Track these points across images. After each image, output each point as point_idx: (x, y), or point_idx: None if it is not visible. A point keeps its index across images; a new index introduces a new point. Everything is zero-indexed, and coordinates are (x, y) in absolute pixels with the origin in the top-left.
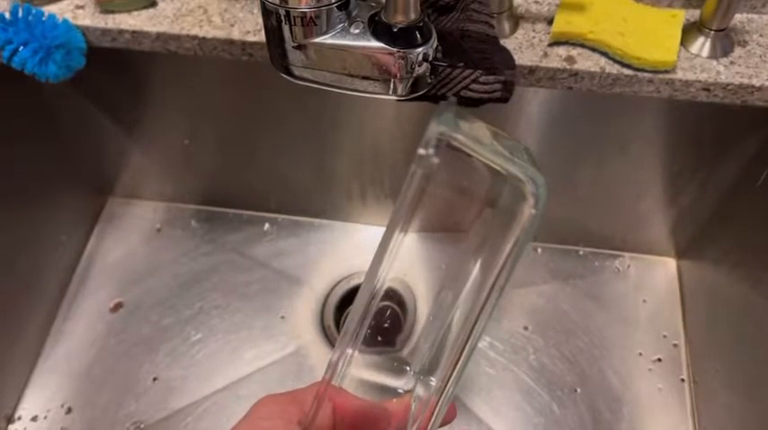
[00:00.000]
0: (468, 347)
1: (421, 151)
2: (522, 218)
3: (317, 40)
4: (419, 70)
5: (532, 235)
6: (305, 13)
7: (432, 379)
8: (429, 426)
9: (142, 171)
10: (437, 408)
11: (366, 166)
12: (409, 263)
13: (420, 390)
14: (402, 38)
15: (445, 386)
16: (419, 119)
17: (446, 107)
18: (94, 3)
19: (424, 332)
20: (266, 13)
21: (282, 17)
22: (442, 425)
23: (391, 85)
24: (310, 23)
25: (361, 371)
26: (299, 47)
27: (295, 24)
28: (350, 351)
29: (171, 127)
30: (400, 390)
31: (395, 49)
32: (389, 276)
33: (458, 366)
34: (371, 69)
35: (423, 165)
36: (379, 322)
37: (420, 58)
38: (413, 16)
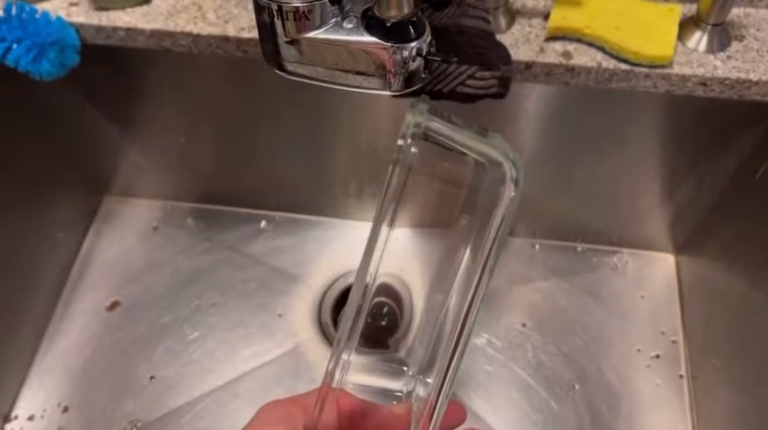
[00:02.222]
0: (463, 338)
1: (399, 142)
2: (504, 199)
3: (310, 35)
4: (413, 65)
5: (514, 215)
6: (297, 7)
7: (430, 378)
8: (431, 425)
9: (138, 169)
10: (437, 406)
11: (363, 163)
12: (404, 258)
13: (420, 391)
14: (395, 32)
15: (443, 380)
16: None
17: (420, 100)
18: (88, 0)
19: (420, 330)
20: (258, 8)
21: (275, 12)
22: (452, 427)
23: (385, 81)
24: (303, 18)
25: (359, 375)
26: (292, 42)
27: (287, 19)
28: (347, 354)
29: (167, 125)
30: (399, 393)
31: (388, 44)
32: (382, 272)
33: (454, 358)
34: (365, 64)
35: (402, 155)
36: (376, 321)
37: (414, 52)
38: (406, 11)
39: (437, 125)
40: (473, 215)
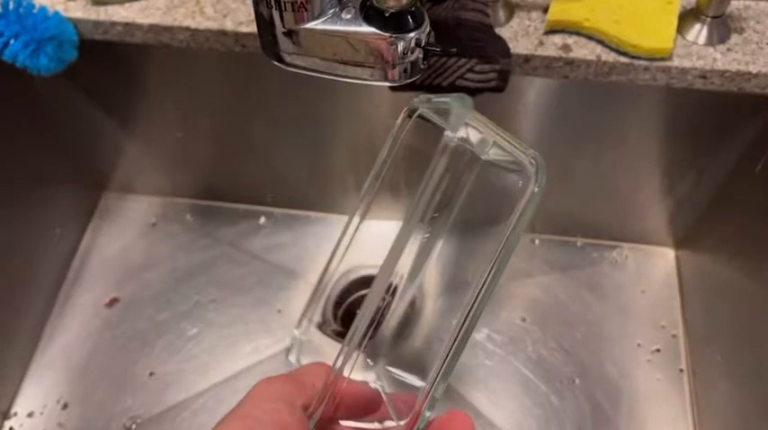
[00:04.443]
0: (462, 335)
1: (449, 134)
2: (525, 196)
3: (308, 25)
4: (412, 56)
5: (529, 218)
6: None
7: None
8: (422, 411)
9: (137, 165)
10: (426, 401)
11: (362, 159)
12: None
13: (385, 384)
14: (394, 23)
15: (435, 380)
16: None
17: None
18: None
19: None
20: None
21: (273, 2)
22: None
23: (384, 72)
24: (301, 9)
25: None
26: (290, 33)
27: (285, 10)
28: (359, 350)
29: (165, 120)
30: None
31: (386, 34)
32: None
33: (448, 356)
34: (363, 55)
35: (449, 148)
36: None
37: (412, 43)
38: (405, 1)
39: (477, 120)
40: (449, 208)
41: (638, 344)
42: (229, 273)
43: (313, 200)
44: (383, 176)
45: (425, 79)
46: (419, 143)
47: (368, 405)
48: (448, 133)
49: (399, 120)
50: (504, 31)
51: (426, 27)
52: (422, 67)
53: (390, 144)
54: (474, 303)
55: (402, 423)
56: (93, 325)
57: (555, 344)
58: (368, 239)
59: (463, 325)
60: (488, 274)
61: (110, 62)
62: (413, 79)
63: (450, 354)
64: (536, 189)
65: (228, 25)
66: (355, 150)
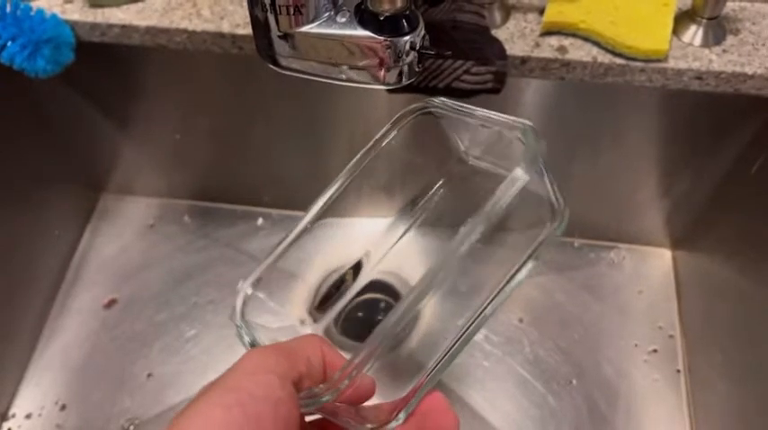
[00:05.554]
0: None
1: (519, 172)
2: (552, 227)
3: (303, 29)
4: (406, 59)
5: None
6: (290, 1)
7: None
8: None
9: (135, 166)
10: (423, 387)
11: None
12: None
13: None
14: (388, 26)
15: (434, 369)
16: None
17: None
18: None
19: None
20: (252, 2)
21: (268, 6)
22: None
23: (379, 75)
24: (296, 12)
25: None
26: (285, 36)
27: (280, 13)
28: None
29: (163, 122)
30: None
31: (381, 38)
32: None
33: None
34: (358, 58)
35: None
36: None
37: (407, 46)
38: (399, 5)
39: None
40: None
41: (636, 345)
42: (227, 275)
43: (311, 201)
44: (375, 152)
45: (422, 81)
46: (422, 147)
47: (363, 396)
48: (519, 172)
49: (399, 115)
50: (500, 33)
51: (421, 30)
52: (417, 69)
53: (383, 133)
54: (484, 308)
55: (369, 405)
56: (92, 326)
57: (552, 344)
58: (360, 237)
59: (465, 331)
60: (503, 285)
61: (107, 64)
62: (409, 82)
63: (446, 359)
64: (562, 223)
65: (225, 27)
66: (353, 151)
